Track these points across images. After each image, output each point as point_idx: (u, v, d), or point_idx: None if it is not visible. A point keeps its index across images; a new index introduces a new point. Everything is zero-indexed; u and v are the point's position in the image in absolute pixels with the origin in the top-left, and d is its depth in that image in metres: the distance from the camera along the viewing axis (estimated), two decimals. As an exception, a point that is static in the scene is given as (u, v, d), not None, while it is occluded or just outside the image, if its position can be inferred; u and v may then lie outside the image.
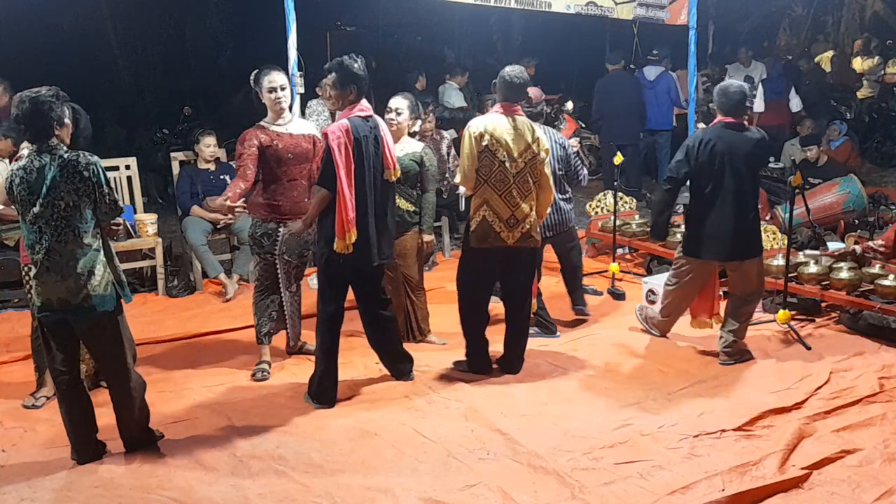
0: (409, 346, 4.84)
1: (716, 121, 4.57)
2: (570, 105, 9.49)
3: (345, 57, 3.99)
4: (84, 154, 3.30)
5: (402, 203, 4.76)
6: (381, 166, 4.02)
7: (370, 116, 4.02)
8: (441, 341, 4.94)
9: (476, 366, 4.37)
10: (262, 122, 4.40)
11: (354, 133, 3.88)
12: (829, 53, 11.62)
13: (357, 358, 4.55)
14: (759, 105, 9.47)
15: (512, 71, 4.25)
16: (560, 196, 5.00)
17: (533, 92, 5.02)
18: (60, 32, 11.79)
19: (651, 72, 8.92)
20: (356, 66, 3.95)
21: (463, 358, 4.45)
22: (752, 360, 4.53)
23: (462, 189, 5.45)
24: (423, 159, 4.78)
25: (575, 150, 5.18)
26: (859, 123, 10.26)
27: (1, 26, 9.30)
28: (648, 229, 6.42)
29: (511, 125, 4.17)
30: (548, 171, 4.29)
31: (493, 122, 4.16)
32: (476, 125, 4.18)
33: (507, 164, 4.13)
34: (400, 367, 4.32)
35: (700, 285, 4.69)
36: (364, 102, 4.00)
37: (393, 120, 4.74)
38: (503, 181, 4.14)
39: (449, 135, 7.03)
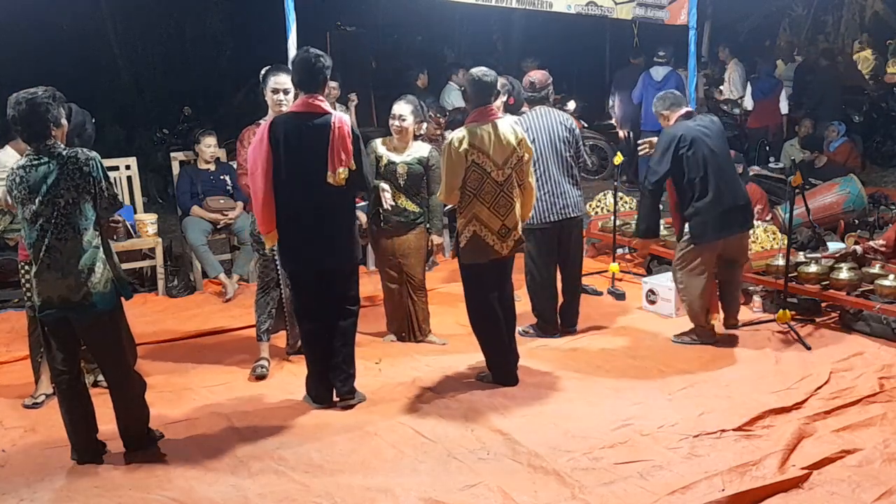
0: (409, 347, 4.86)
1: (676, 117, 4.75)
2: (571, 105, 9.49)
3: (300, 49, 3.87)
4: (82, 150, 3.31)
5: (407, 203, 4.77)
6: (321, 169, 3.72)
7: (319, 114, 3.75)
8: (441, 341, 4.93)
9: (501, 378, 4.24)
10: (261, 121, 4.38)
11: (273, 130, 3.70)
12: (868, 52, 11.50)
13: (356, 359, 4.53)
14: (748, 102, 9.53)
15: (480, 71, 4.11)
16: (567, 180, 4.82)
17: (538, 75, 4.95)
18: (60, 32, 11.79)
19: (658, 72, 8.92)
20: (296, 58, 3.81)
21: (478, 366, 4.39)
22: (727, 348, 4.72)
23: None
24: (430, 161, 4.80)
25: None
26: (862, 124, 10.21)
27: (0, 26, 9.29)
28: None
29: (493, 132, 4.03)
30: (532, 178, 4.24)
31: (475, 135, 4.00)
32: (458, 139, 4.00)
33: (494, 175, 4.02)
34: (338, 383, 3.99)
35: (713, 270, 4.77)
36: (316, 98, 3.75)
37: (396, 126, 4.73)
38: (491, 193, 4.02)
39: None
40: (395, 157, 4.75)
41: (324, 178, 3.73)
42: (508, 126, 4.14)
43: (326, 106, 3.81)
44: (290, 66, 3.90)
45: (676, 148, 4.58)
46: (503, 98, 4.98)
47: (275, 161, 3.71)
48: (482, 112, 4.08)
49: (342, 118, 3.80)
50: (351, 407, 3.96)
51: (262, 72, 4.37)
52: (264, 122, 3.82)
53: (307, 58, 3.76)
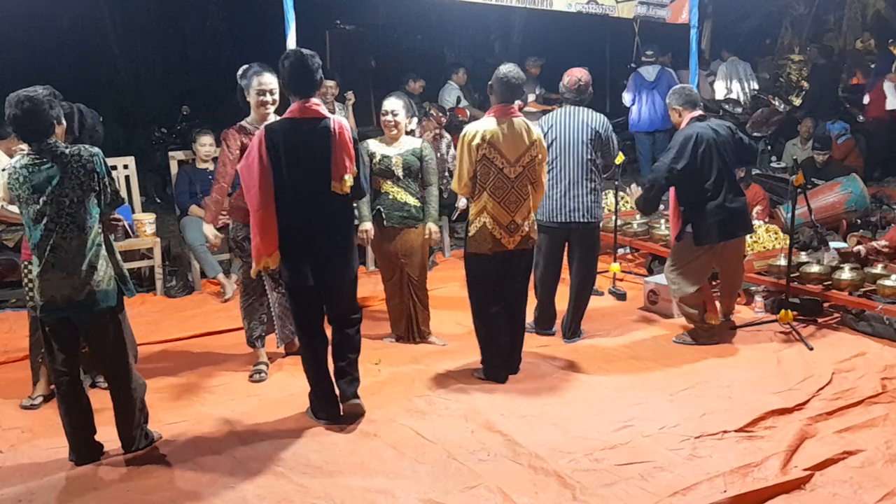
0: (409, 348, 4.84)
1: (689, 117, 4.72)
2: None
3: (290, 49, 3.69)
4: (84, 147, 3.31)
5: (408, 198, 4.76)
6: (324, 177, 3.58)
7: (317, 118, 3.59)
8: (441, 342, 4.91)
9: (492, 374, 4.26)
10: (244, 123, 4.28)
11: (270, 139, 3.52)
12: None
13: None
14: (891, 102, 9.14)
15: (509, 71, 4.10)
16: (584, 183, 4.70)
17: (586, 76, 4.87)
18: (60, 31, 11.77)
19: (649, 72, 8.89)
20: (290, 61, 3.57)
21: (476, 365, 4.37)
22: (728, 349, 4.74)
23: (462, 202, 5.39)
24: (423, 153, 4.80)
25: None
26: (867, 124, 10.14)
27: (0, 25, 9.28)
28: (648, 227, 6.39)
29: (508, 129, 4.05)
30: (544, 178, 4.23)
31: (489, 129, 4.03)
32: (471, 132, 4.05)
33: (506, 171, 4.05)
34: (343, 384, 3.86)
35: (708, 272, 4.87)
36: (312, 102, 3.59)
37: (390, 121, 4.71)
38: (502, 188, 4.06)
39: (448, 135, 7.03)
40: (389, 151, 4.73)
41: (327, 187, 3.58)
42: (524, 125, 4.13)
43: (324, 110, 3.67)
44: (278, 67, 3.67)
45: (694, 147, 4.57)
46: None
47: (275, 172, 3.52)
48: (502, 109, 4.10)
49: (342, 123, 3.64)
50: (359, 415, 3.82)
51: (240, 71, 4.25)
52: (258, 130, 3.65)
53: (301, 60, 3.57)
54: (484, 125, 4.08)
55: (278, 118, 3.75)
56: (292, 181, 3.57)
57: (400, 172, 4.72)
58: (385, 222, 4.75)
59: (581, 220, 4.74)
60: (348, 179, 3.60)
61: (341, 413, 3.83)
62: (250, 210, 3.63)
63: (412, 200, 4.77)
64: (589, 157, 4.73)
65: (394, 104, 4.73)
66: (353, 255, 3.83)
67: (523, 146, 4.08)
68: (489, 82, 4.20)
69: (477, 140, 4.02)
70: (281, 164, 3.54)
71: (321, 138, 3.57)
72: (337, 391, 3.86)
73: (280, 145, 3.54)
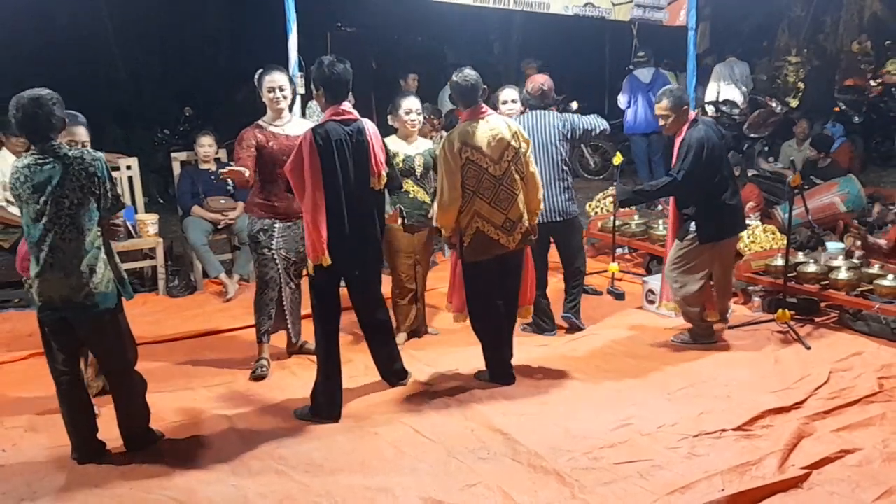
0: (408, 346, 4.86)
1: (691, 119, 4.72)
2: (574, 106, 9.48)
3: (325, 57, 3.84)
4: (87, 150, 3.33)
5: (426, 197, 4.82)
6: (365, 174, 3.84)
7: (351, 120, 3.82)
8: (435, 331, 5.04)
9: (499, 377, 4.26)
10: (260, 121, 4.38)
11: (318, 141, 3.69)
12: None
13: (357, 357, 4.54)
14: None
15: (460, 76, 4.12)
16: (556, 183, 4.81)
17: (549, 81, 4.98)
18: (59, 32, 11.77)
19: (644, 74, 8.90)
20: (325, 67, 3.76)
21: (477, 362, 4.38)
22: (726, 348, 4.76)
23: None
24: (436, 153, 4.85)
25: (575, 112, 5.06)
26: (863, 126, 10.15)
27: (-1, 25, 9.29)
28: (646, 227, 6.42)
29: (485, 128, 4.04)
30: (533, 168, 4.22)
31: (467, 133, 4.03)
32: (449, 140, 4.04)
33: (491, 170, 4.03)
34: (394, 369, 4.23)
35: (710, 269, 4.86)
36: (344, 105, 3.81)
37: (414, 120, 4.76)
38: (490, 188, 4.03)
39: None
40: (410, 151, 4.77)
41: (367, 184, 3.83)
42: (501, 121, 4.14)
43: (355, 112, 3.86)
44: (319, 72, 3.80)
45: (709, 151, 4.57)
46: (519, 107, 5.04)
47: (326, 173, 3.69)
48: (472, 111, 4.12)
49: (370, 123, 3.88)
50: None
51: (256, 75, 4.39)
52: (303, 137, 3.78)
53: (335, 68, 3.75)
54: (461, 130, 4.06)
55: (319, 121, 3.89)
56: (339, 179, 3.73)
57: (421, 171, 4.77)
58: (406, 220, 4.78)
59: (558, 219, 4.88)
60: (384, 175, 3.87)
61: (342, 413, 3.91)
62: (304, 209, 3.75)
63: (429, 199, 4.82)
64: (559, 157, 4.85)
65: (415, 103, 4.79)
66: (381, 251, 4.06)
67: (504, 141, 4.06)
68: (448, 95, 4.28)
69: (457, 145, 4.01)
70: (335, 164, 3.71)
71: (359, 137, 3.80)
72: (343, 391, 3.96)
73: (326, 146, 3.70)
